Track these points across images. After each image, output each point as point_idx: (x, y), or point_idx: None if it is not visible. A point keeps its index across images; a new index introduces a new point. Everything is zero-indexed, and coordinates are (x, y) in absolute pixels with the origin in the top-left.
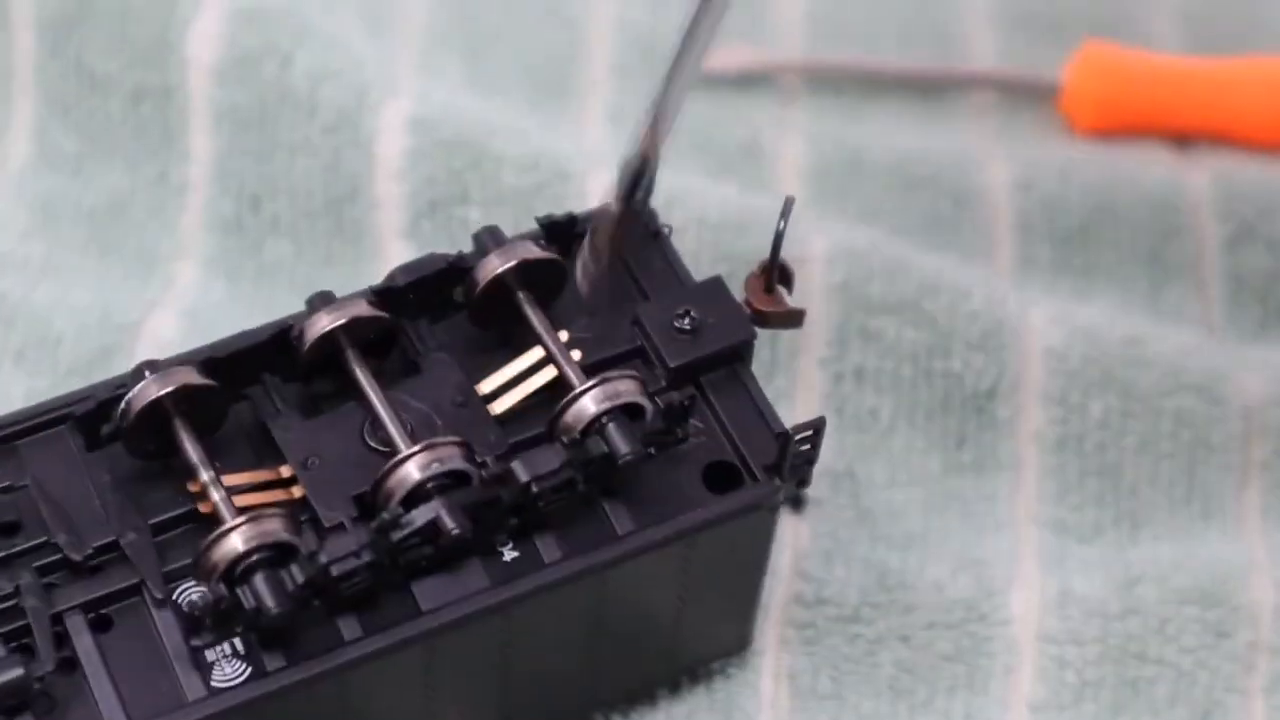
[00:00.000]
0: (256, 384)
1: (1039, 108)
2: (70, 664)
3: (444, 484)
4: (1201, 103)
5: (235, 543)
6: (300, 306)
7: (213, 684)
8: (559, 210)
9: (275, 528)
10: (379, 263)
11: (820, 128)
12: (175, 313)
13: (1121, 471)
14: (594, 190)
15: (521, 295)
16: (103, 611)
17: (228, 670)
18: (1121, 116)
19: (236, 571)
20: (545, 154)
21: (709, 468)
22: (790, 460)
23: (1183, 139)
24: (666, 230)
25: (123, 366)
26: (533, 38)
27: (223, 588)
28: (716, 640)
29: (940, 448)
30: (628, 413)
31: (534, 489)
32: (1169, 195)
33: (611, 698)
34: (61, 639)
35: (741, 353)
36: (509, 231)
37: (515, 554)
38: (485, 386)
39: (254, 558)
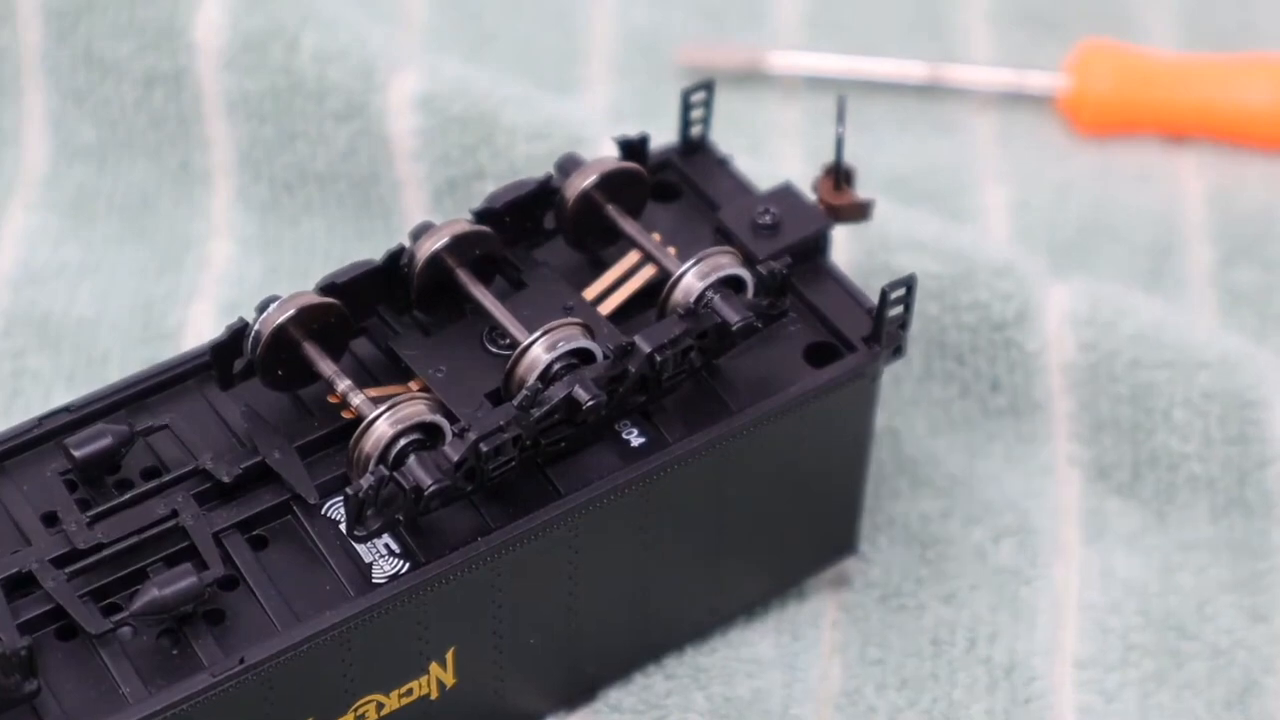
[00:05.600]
0: (371, 316)
1: (1038, 107)
2: (233, 581)
3: (571, 363)
4: (1200, 100)
5: (383, 427)
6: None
7: (374, 580)
8: None
9: (419, 409)
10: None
11: (818, 140)
12: (214, 307)
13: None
14: (608, 151)
15: (610, 208)
16: (256, 532)
17: (386, 567)
18: (1121, 115)
19: (389, 457)
20: (556, 119)
21: (808, 348)
22: (886, 325)
23: (1181, 137)
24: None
25: None
26: (532, 38)
27: (383, 468)
28: (825, 539)
29: (974, 393)
30: (730, 285)
31: (657, 359)
32: (1166, 214)
33: (733, 602)
34: (222, 558)
35: (820, 245)
36: None
37: (641, 439)
38: (590, 293)
39: (403, 441)
